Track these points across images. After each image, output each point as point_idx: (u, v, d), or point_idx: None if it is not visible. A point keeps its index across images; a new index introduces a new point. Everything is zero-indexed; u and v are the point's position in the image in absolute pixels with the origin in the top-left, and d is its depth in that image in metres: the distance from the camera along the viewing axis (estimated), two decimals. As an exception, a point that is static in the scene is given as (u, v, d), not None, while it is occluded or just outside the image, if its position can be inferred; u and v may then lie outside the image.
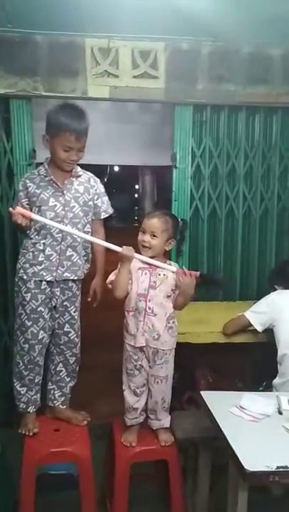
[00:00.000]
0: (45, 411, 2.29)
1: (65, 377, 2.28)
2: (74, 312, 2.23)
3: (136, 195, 9.02)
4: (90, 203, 2.24)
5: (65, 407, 2.28)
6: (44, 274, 2.13)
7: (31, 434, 2.09)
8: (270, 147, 3.10)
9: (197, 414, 2.22)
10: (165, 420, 2.16)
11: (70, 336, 2.23)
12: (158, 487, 2.36)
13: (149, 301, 2.04)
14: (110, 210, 2.36)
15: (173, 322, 2.09)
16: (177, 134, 2.97)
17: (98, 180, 2.32)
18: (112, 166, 14.64)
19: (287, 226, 3.17)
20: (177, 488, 2.14)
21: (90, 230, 2.25)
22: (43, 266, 2.12)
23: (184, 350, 2.36)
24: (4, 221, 2.84)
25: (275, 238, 3.16)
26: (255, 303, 2.51)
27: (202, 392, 1.88)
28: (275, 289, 2.49)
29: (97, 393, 3.36)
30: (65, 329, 2.22)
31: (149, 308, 2.04)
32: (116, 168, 14.69)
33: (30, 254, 2.13)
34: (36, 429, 2.12)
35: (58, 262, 2.14)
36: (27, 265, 2.13)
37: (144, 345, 2.05)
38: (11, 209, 2.04)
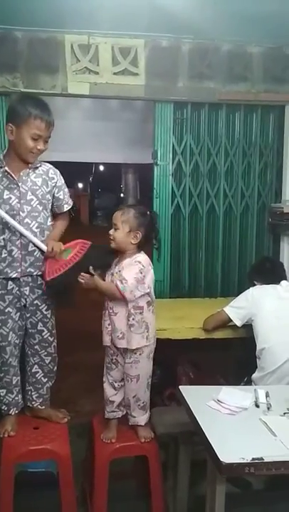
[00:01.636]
0: (25, 410, 2.26)
1: (42, 378, 2.23)
2: (46, 310, 2.18)
3: (121, 195, 9.02)
4: (48, 196, 2.17)
5: (44, 407, 2.25)
6: (8, 271, 2.07)
7: (7, 436, 2.06)
8: (250, 144, 3.12)
9: (177, 409, 2.22)
10: (140, 418, 2.14)
11: (43, 334, 2.19)
12: (138, 483, 2.36)
13: (110, 301, 2.05)
14: (71, 202, 2.33)
15: (136, 320, 2.03)
16: (158, 131, 2.98)
17: (58, 171, 2.23)
18: (97, 166, 14.69)
19: (267, 223, 3.20)
20: (157, 485, 2.14)
21: (51, 223, 2.20)
22: (6, 263, 2.07)
23: (165, 347, 2.37)
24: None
25: (255, 235, 3.19)
26: (235, 299, 2.52)
27: (181, 387, 1.88)
28: (255, 285, 2.51)
29: (80, 392, 3.36)
30: (38, 328, 2.17)
31: (110, 307, 2.05)
32: (101, 168, 14.72)
33: None
34: (13, 432, 2.08)
35: (21, 257, 2.08)
36: None
37: (108, 344, 2.07)
38: None
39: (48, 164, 2.21)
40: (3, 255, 2.07)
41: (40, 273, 2.12)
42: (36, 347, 2.20)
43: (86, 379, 3.44)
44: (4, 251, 2.07)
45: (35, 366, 2.23)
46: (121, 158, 3.79)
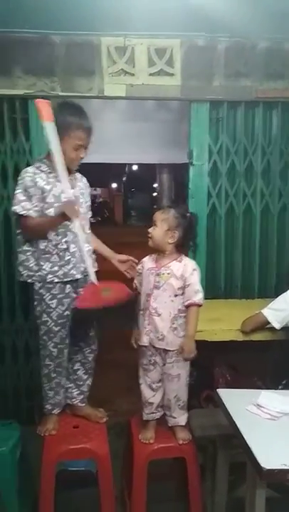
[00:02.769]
0: (65, 407, 2.30)
1: (83, 375, 2.28)
2: None
3: (154, 194, 9.00)
4: (88, 198, 2.28)
5: (84, 404, 2.29)
6: (74, 272, 2.12)
7: (48, 434, 2.11)
8: (287, 143, 3.06)
9: (215, 412, 2.21)
10: (180, 418, 2.15)
11: (88, 331, 2.24)
12: (176, 485, 2.36)
13: (154, 300, 2.05)
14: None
15: (179, 323, 2.06)
16: (194, 131, 2.96)
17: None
18: (130, 165, 14.69)
19: (305, 222, 3.13)
20: (196, 487, 2.13)
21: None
22: (71, 265, 2.11)
23: (202, 348, 2.35)
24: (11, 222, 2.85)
25: (293, 234, 3.12)
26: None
27: (219, 390, 1.87)
28: (294, 287, 2.46)
29: (118, 391, 3.38)
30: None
31: (153, 308, 2.05)
32: (134, 168, 14.72)
33: (56, 256, 2.08)
34: (54, 431, 2.13)
35: (80, 257, 2.13)
36: (56, 268, 2.08)
37: (147, 344, 2.07)
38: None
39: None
40: (67, 258, 2.11)
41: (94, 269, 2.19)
42: (81, 344, 2.25)
43: (124, 378, 3.46)
44: (67, 253, 2.10)
45: (78, 364, 2.28)
46: (156, 158, 3.80)
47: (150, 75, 2.86)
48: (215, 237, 3.08)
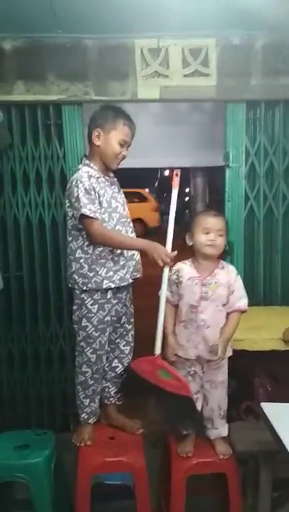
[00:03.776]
0: (100, 417, 2.24)
1: (121, 373, 2.22)
2: (130, 305, 2.23)
3: (186, 199, 8.90)
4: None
5: (121, 402, 2.23)
6: (128, 277, 2.09)
7: (83, 445, 2.05)
8: None
9: (257, 425, 2.11)
10: (222, 429, 2.07)
11: (124, 324, 2.22)
12: (216, 499, 2.26)
13: (202, 313, 1.96)
14: None
15: None
16: (230, 132, 2.86)
17: None
18: (162, 171, 14.68)
19: None
20: (237, 504, 2.03)
21: None
22: (126, 269, 2.08)
23: (241, 358, 2.26)
24: (58, 227, 2.86)
25: None
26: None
27: (262, 405, 1.76)
28: None
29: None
30: (121, 322, 2.20)
31: (202, 320, 1.97)
32: (166, 173, 14.70)
33: (110, 261, 2.04)
34: (90, 442, 2.07)
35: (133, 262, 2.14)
36: (111, 273, 2.04)
37: (193, 358, 2.00)
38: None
39: None
40: (122, 262, 2.07)
41: (140, 276, 2.17)
42: (117, 340, 2.21)
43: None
44: (122, 258, 2.08)
45: (115, 360, 2.23)
46: (190, 162, 3.70)
47: (184, 76, 2.79)
48: (253, 242, 2.97)
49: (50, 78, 2.75)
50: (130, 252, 2.10)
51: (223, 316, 1.98)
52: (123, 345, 2.23)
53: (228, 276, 1.98)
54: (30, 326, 2.94)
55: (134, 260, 2.12)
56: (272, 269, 2.99)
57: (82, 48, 2.74)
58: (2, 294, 2.85)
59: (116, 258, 2.06)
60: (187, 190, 6.94)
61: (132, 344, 2.26)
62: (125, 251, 2.07)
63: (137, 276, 2.17)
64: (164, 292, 1.93)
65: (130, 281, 2.11)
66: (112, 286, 2.05)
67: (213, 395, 2.03)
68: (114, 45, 2.74)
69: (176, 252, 1.93)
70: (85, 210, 1.98)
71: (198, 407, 2.04)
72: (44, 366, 2.96)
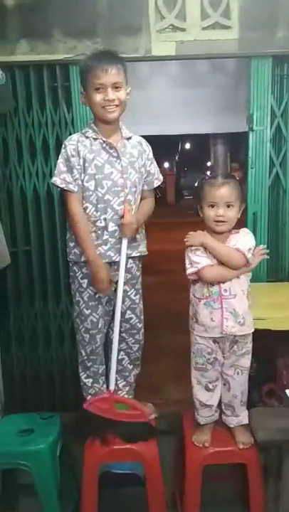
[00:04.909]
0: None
1: (128, 365, 2.08)
2: (135, 296, 2.00)
3: (208, 172, 8.61)
4: (143, 169, 1.98)
5: (130, 397, 2.08)
6: (112, 254, 1.90)
7: None
8: None
9: (280, 411, 1.94)
10: (243, 416, 1.92)
11: (132, 322, 2.02)
12: (235, 488, 2.11)
13: (223, 283, 1.77)
14: (161, 178, 2.09)
15: (248, 315, 1.86)
16: (254, 91, 2.59)
17: (149, 144, 2.03)
18: (183, 143, 14.31)
19: None
20: (257, 494, 1.88)
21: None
22: (108, 245, 1.89)
23: (263, 337, 2.08)
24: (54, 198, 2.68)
25: None
26: None
27: (288, 391, 1.58)
28: None
29: (168, 378, 3.17)
30: (126, 316, 2.00)
31: (226, 290, 1.78)
32: (187, 146, 14.32)
33: (93, 234, 1.88)
34: None
35: (120, 238, 1.90)
36: None
37: (223, 335, 1.82)
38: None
39: (138, 136, 2.01)
40: (105, 237, 1.88)
41: (138, 254, 1.98)
42: (123, 334, 2.04)
43: (174, 363, 3.24)
44: (105, 232, 1.88)
45: (121, 353, 2.07)
46: (211, 127, 3.46)
47: (203, 29, 2.52)
48: (278, 212, 2.73)
49: (56, 36, 2.53)
50: (115, 227, 1.89)
51: (245, 281, 1.83)
52: (132, 343, 2.07)
53: (242, 237, 1.82)
54: (40, 304, 2.80)
55: (115, 238, 1.90)
56: (299, 243, 2.76)
57: (90, 0, 2.49)
58: (10, 269, 2.71)
59: (99, 232, 1.88)
60: (209, 164, 6.66)
61: (142, 342, 2.10)
62: (109, 225, 1.87)
63: (133, 254, 1.96)
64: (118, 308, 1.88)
65: (115, 259, 1.90)
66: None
67: (236, 381, 1.87)
68: (126, -4, 2.50)
69: (112, 288, 1.92)
70: (55, 179, 1.88)
71: (218, 395, 1.90)
72: (55, 345, 2.84)
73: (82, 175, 1.86)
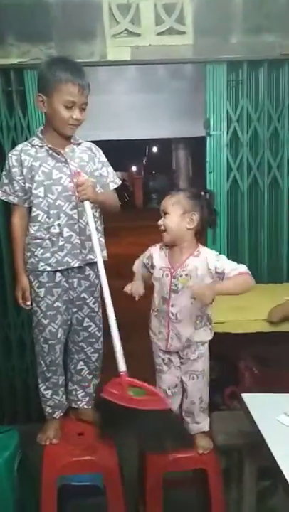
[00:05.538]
0: (69, 412, 2.06)
1: (87, 376, 2.03)
2: (93, 304, 1.96)
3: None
4: (96, 173, 1.95)
5: (90, 407, 2.04)
6: (70, 260, 1.85)
7: (49, 443, 1.87)
8: None
9: (240, 414, 1.93)
10: (204, 423, 1.88)
11: (90, 330, 1.98)
12: (197, 493, 2.10)
13: (172, 306, 1.76)
14: (118, 181, 2.05)
15: (204, 322, 1.81)
16: (210, 96, 2.62)
17: (99, 148, 2.00)
18: (150, 147, 14.36)
19: None
20: (218, 499, 1.87)
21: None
22: (65, 251, 1.85)
23: (224, 339, 2.08)
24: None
25: None
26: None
27: (244, 396, 1.59)
28: None
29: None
30: (85, 324, 1.96)
31: (172, 313, 1.77)
32: (154, 150, 14.41)
33: (48, 241, 1.83)
34: (56, 440, 1.88)
35: (80, 243, 1.87)
36: (47, 255, 1.84)
37: (163, 348, 1.83)
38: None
39: (87, 142, 1.98)
40: (60, 243, 1.84)
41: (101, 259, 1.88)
42: (82, 344, 1.99)
43: (142, 368, 3.21)
44: (61, 238, 1.84)
45: (80, 363, 2.02)
46: (170, 132, 3.47)
47: (158, 34, 2.53)
48: (237, 216, 2.76)
49: (9, 40, 2.50)
50: (70, 232, 1.85)
51: (196, 307, 1.76)
52: (90, 352, 2.02)
53: (207, 264, 1.72)
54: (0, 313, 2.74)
55: (71, 243, 1.86)
56: (258, 244, 2.79)
57: (43, 5, 2.47)
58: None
59: (54, 238, 1.84)
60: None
61: (102, 351, 2.04)
62: (64, 231, 1.84)
63: (94, 260, 1.87)
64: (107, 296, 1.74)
65: (74, 264, 1.87)
66: (48, 269, 1.84)
67: (193, 387, 1.84)
68: (79, 1, 2.47)
69: (27, 306, 1.91)
70: None
71: (177, 402, 1.87)
72: (16, 354, 2.78)
73: (28, 184, 1.82)
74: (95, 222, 1.86)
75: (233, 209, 2.76)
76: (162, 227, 1.75)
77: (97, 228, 1.87)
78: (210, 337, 1.86)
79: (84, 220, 1.86)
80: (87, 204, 1.76)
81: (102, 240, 1.96)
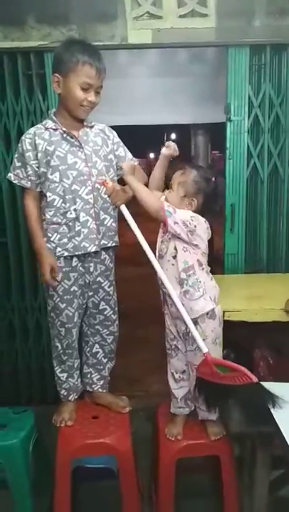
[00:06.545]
0: (84, 395, 2.09)
1: (103, 359, 2.05)
2: (109, 287, 1.98)
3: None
4: (111, 156, 1.94)
5: (105, 391, 2.06)
6: (86, 245, 1.86)
7: (64, 425, 1.90)
8: None
9: (254, 403, 1.93)
10: (210, 412, 1.87)
11: (106, 313, 1.99)
12: (209, 479, 2.12)
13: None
14: (135, 160, 2.04)
15: (190, 284, 1.74)
16: (231, 81, 2.57)
17: (112, 130, 2.00)
18: (169, 133, 14.23)
19: None
20: (231, 487, 1.89)
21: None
22: (82, 236, 1.85)
23: (240, 327, 2.07)
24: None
25: None
26: None
27: (262, 384, 1.57)
28: None
29: (150, 369, 3.16)
30: (100, 307, 1.98)
31: (160, 281, 1.78)
32: (173, 136, 14.26)
33: (64, 226, 1.84)
34: (71, 422, 1.92)
35: (96, 228, 1.87)
36: (65, 240, 1.84)
37: (169, 322, 1.86)
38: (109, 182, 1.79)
39: (100, 124, 1.97)
40: (77, 228, 1.84)
41: (114, 244, 1.95)
42: (98, 327, 2.01)
43: (158, 354, 3.24)
44: (77, 223, 1.84)
45: (96, 346, 2.04)
46: (190, 118, 3.41)
47: (180, 16, 2.48)
48: (256, 204, 2.72)
49: (30, 22, 2.47)
50: (86, 217, 1.85)
51: (177, 268, 1.74)
52: (106, 334, 2.04)
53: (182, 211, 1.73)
54: (17, 297, 2.76)
55: (88, 228, 1.86)
56: (277, 233, 2.75)
57: (64, -14, 2.44)
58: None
59: (70, 223, 1.83)
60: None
61: (117, 334, 2.06)
62: (81, 216, 1.84)
63: (108, 245, 1.93)
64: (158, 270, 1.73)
65: (91, 249, 1.87)
66: (66, 254, 1.85)
67: (192, 378, 1.84)
68: (101, -18, 2.44)
69: (56, 282, 1.86)
70: (10, 175, 1.89)
71: (186, 388, 1.88)
72: (33, 338, 2.81)
73: (43, 168, 1.81)
74: (108, 207, 1.89)
75: (253, 197, 2.71)
76: (164, 198, 1.76)
77: (109, 213, 1.90)
78: (212, 306, 1.77)
79: (98, 205, 1.86)
80: (123, 208, 1.80)
81: (115, 224, 1.96)
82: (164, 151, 1.84)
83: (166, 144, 1.83)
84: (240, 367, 1.67)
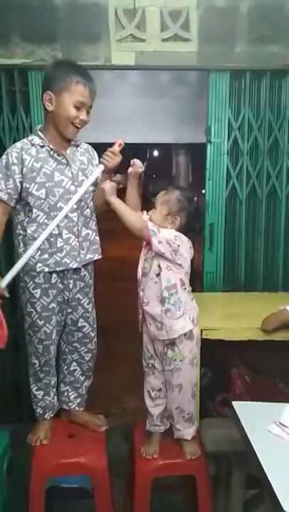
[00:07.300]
0: (60, 413, 2.07)
1: (80, 377, 2.04)
2: (88, 304, 1.98)
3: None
4: (94, 175, 1.93)
5: (81, 409, 2.05)
6: (68, 261, 1.86)
7: (39, 444, 1.87)
8: None
9: (231, 422, 1.94)
10: (186, 431, 1.87)
11: (84, 330, 1.99)
12: (184, 498, 2.11)
13: (142, 290, 1.80)
14: (118, 175, 2.10)
15: (172, 303, 1.75)
16: (212, 104, 2.64)
17: (94, 150, 2.03)
18: (151, 151, 14.36)
19: None
20: (206, 506, 1.88)
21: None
22: (64, 252, 1.85)
23: (217, 346, 2.09)
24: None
25: None
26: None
27: (234, 403, 1.59)
28: None
29: (128, 387, 3.15)
30: (79, 324, 1.97)
31: (141, 298, 1.81)
32: (156, 153, 14.40)
33: (45, 242, 1.82)
34: (46, 441, 1.89)
35: (79, 244, 1.88)
36: (45, 256, 1.83)
37: (147, 342, 1.86)
38: None
39: (84, 143, 1.99)
40: (59, 244, 1.84)
41: (99, 257, 1.97)
42: (76, 344, 2.00)
43: (133, 372, 3.23)
44: (59, 240, 1.84)
45: (74, 363, 2.03)
46: (171, 138, 3.48)
47: (163, 40, 2.55)
48: (234, 224, 2.77)
49: (15, 40, 2.50)
50: (69, 234, 1.86)
51: (160, 286, 1.76)
52: (84, 352, 2.03)
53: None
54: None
55: (70, 245, 1.87)
56: (255, 253, 2.80)
57: (50, 7, 2.48)
58: None
59: (52, 239, 1.83)
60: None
61: (95, 352, 2.06)
62: (63, 232, 1.84)
63: (94, 258, 1.96)
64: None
65: (72, 266, 1.87)
66: (46, 270, 1.84)
67: (169, 397, 1.84)
68: (86, 4, 2.49)
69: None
70: None
71: (162, 406, 1.88)
72: (10, 355, 2.77)
73: (26, 184, 1.80)
74: (89, 222, 1.91)
75: (231, 217, 2.77)
76: (148, 218, 1.80)
77: (91, 227, 1.92)
78: (191, 326, 1.78)
79: (80, 223, 1.87)
80: (100, 168, 1.81)
81: (98, 238, 1.98)
82: (129, 169, 1.85)
83: (131, 162, 1.85)
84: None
